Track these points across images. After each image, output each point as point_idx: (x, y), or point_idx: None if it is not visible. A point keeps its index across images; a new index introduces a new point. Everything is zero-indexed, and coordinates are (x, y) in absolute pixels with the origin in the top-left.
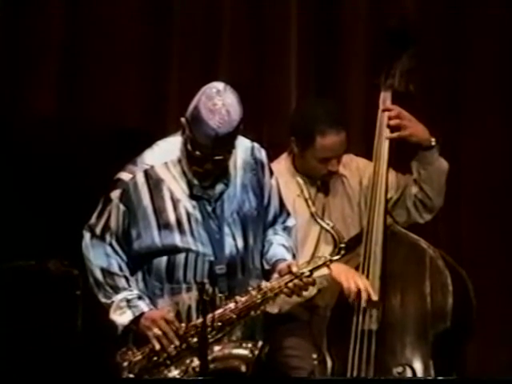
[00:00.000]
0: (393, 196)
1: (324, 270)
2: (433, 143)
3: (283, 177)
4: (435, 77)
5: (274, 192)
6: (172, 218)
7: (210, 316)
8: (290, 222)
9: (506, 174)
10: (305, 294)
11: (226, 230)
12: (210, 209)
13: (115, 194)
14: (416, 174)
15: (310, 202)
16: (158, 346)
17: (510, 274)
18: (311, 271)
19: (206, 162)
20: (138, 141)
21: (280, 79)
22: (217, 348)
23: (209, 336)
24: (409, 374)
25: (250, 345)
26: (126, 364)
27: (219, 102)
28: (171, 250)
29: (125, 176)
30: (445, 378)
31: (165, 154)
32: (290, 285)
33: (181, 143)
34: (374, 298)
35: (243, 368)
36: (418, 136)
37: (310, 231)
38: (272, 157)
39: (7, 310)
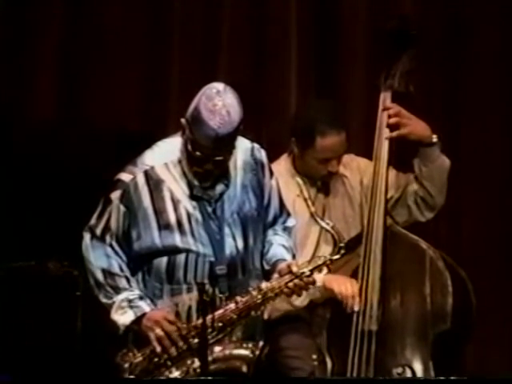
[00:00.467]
0: (393, 195)
1: (317, 282)
2: (434, 140)
3: (283, 177)
4: (435, 77)
5: (274, 192)
6: (172, 218)
7: (210, 316)
8: (290, 223)
9: (506, 174)
10: (297, 303)
11: (227, 230)
12: (210, 209)
13: (115, 195)
14: (417, 171)
15: (309, 202)
16: (159, 349)
17: (510, 275)
18: (311, 271)
19: (207, 163)
20: (138, 142)
21: (280, 79)
22: (217, 348)
23: (209, 336)
24: (409, 374)
25: (250, 345)
26: (126, 365)
27: (219, 103)
28: (171, 251)
29: (125, 177)
30: (445, 378)
31: (165, 155)
32: (291, 285)
33: (181, 144)
34: (356, 308)
35: (244, 368)
36: (418, 133)
37: (310, 231)
38: (272, 157)
39: (7, 310)
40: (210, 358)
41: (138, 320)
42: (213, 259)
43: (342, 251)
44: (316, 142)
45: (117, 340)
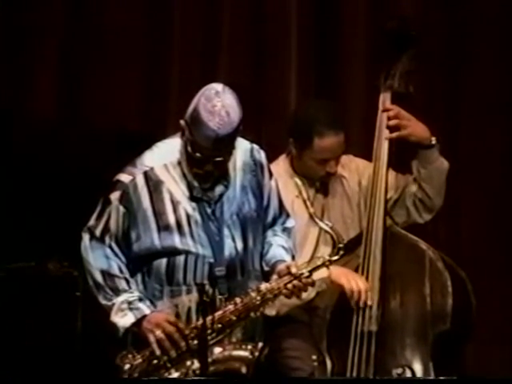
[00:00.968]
0: (392, 196)
1: (323, 273)
2: (433, 142)
3: (281, 178)
4: (435, 77)
5: (273, 193)
6: (172, 219)
7: (209, 318)
8: (290, 223)
9: (506, 174)
10: (303, 296)
11: (226, 231)
12: (209, 211)
13: (115, 196)
14: (416, 173)
15: (308, 203)
16: (158, 351)
17: (510, 275)
18: (310, 272)
19: (207, 164)
20: (138, 142)
21: (280, 79)
22: (217, 350)
23: (209, 338)
24: (408, 375)
25: (250, 346)
26: (126, 367)
27: (218, 104)
28: (171, 252)
29: (124, 178)
30: (445, 378)
31: (164, 156)
32: (289, 286)
33: (180, 145)
34: (369, 302)
35: (244, 369)
36: (418, 135)
37: (309, 232)
38: (272, 158)
39: (7, 310)
40: (209, 360)
41: (138, 322)
42: (212, 260)
43: (341, 252)
44: (314, 143)
45: (116, 341)
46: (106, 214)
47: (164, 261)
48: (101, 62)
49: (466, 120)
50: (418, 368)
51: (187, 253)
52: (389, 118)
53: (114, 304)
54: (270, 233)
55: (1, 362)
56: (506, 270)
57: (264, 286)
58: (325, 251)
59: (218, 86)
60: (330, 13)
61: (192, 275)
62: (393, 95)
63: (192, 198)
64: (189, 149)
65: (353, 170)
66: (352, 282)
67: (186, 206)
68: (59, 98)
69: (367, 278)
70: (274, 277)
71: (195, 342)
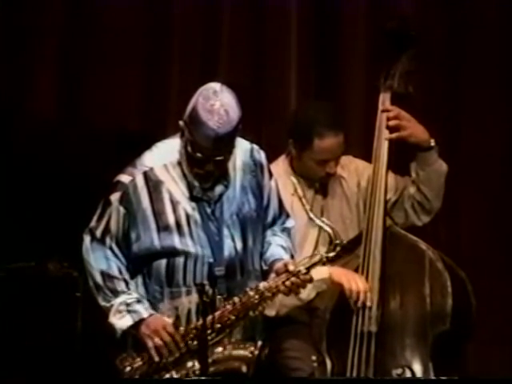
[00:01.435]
0: (391, 198)
1: (324, 274)
2: (432, 144)
3: (281, 178)
4: (435, 78)
5: (273, 193)
6: (171, 219)
7: (209, 318)
8: (289, 224)
9: (506, 175)
10: (303, 297)
11: (226, 231)
12: (209, 210)
13: (115, 197)
14: (414, 175)
15: (304, 201)
16: (157, 358)
17: (510, 275)
18: (308, 269)
19: (207, 163)
20: (138, 142)
21: (279, 80)
22: (217, 350)
23: (208, 338)
24: (408, 375)
25: (249, 345)
26: (127, 370)
27: (217, 103)
28: (170, 253)
29: (124, 178)
30: (444, 378)
31: (164, 156)
32: (287, 283)
33: (180, 145)
34: (369, 303)
35: (244, 368)
36: (417, 137)
37: (309, 233)
38: (272, 158)
39: (7, 311)
40: (209, 360)
41: (136, 325)
42: (212, 260)
43: (338, 248)
44: (314, 144)
45: (116, 342)
46: (107, 215)
47: (163, 262)
48: (101, 61)
49: (466, 121)
50: (417, 368)
51: (186, 253)
52: (388, 119)
53: (112, 305)
54: (269, 233)
55: (1, 362)
56: (506, 270)
57: (262, 284)
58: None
59: (215, 86)
60: (329, 13)
61: (192, 276)
62: (393, 95)
63: (192, 198)
64: (189, 149)
65: (352, 170)
66: (352, 282)
67: (186, 206)
68: (59, 98)
69: (367, 279)
70: (272, 275)
71: (195, 342)
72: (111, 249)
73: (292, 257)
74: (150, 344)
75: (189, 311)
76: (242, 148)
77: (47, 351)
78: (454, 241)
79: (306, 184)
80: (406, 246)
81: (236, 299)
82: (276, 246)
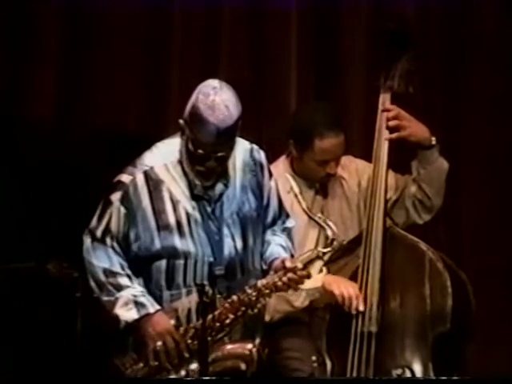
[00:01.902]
0: (391, 197)
1: (316, 283)
2: (433, 142)
3: (281, 179)
4: (435, 78)
5: (273, 193)
6: (171, 219)
7: (209, 318)
8: (290, 224)
9: (507, 175)
10: (297, 304)
11: (226, 231)
12: (209, 210)
13: (116, 197)
14: (415, 174)
15: (300, 197)
16: (153, 362)
17: (510, 276)
18: (305, 265)
19: (209, 160)
20: (138, 142)
21: (280, 80)
22: (216, 349)
23: (208, 338)
24: (408, 375)
25: (248, 343)
26: (128, 372)
27: (217, 98)
28: (170, 253)
29: (125, 178)
30: (444, 379)
31: (164, 156)
32: (285, 279)
33: (180, 145)
34: (361, 308)
35: (243, 366)
36: (418, 136)
37: (309, 233)
38: (272, 158)
39: (6, 311)
40: (209, 359)
41: (141, 319)
42: (212, 260)
43: (335, 243)
44: (314, 144)
45: (116, 341)
46: (107, 215)
47: (163, 263)
48: (101, 62)
49: (466, 120)
50: (417, 369)
51: (187, 253)
52: (389, 119)
53: (117, 298)
54: (269, 232)
55: (0, 362)
56: (506, 270)
57: (260, 282)
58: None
59: (213, 82)
60: (329, 13)
61: (192, 276)
62: (393, 95)
63: (193, 197)
64: (190, 147)
65: (352, 171)
66: (342, 288)
67: (186, 205)
68: (59, 99)
69: (367, 279)
70: (271, 273)
71: (194, 342)
72: (112, 247)
73: (292, 256)
74: (150, 345)
75: (189, 310)
76: (242, 148)
77: (47, 351)
78: (454, 241)
79: (306, 184)
80: (406, 247)
81: (234, 298)
82: (275, 246)
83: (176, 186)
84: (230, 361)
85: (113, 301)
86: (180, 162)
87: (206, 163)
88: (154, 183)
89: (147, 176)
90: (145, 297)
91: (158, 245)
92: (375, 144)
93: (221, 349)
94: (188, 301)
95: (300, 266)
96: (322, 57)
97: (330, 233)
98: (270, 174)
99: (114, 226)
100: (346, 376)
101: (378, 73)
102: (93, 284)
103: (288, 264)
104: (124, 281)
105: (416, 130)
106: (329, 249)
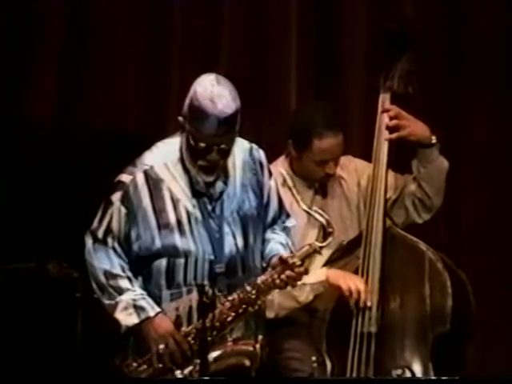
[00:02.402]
0: (391, 196)
1: (321, 276)
2: (433, 141)
3: (281, 179)
4: (435, 78)
5: (273, 193)
6: (172, 217)
7: (209, 318)
8: (290, 223)
9: (507, 174)
10: (302, 299)
11: (226, 229)
12: (209, 208)
13: (116, 197)
14: (416, 172)
15: (294, 191)
16: (156, 363)
17: (510, 275)
18: (302, 260)
19: (211, 152)
20: (138, 142)
21: (279, 80)
22: (218, 347)
23: (209, 337)
24: (408, 376)
25: (250, 340)
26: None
27: (215, 89)
28: (171, 251)
29: (125, 178)
30: (444, 378)
31: (164, 155)
32: (283, 276)
33: (181, 143)
34: (369, 303)
35: (247, 363)
36: (417, 135)
37: (309, 233)
38: (271, 157)
39: (6, 311)
40: (211, 358)
41: (141, 323)
42: (212, 258)
43: (331, 237)
44: (313, 145)
45: (117, 342)
46: (108, 215)
47: (164, 262)
48: (100, 62)
49: (466, 120)
50: (417, 369)
51: (187, 252)
52: (388, 119)
53: (117, 302)
54: (269, 231)
55: (0, 362)
56: (506, 270)
57: (259, 279)
58: (324, 252)
59: (210, 76)
60: (329, 13)
61: (192, 274)
62: (392, 96)
63: (193, 194)
64: (191, 142)
65: (352, 170)
66: (350, 282)
67: (186, 204)
68: (59, 99)
69: (367, 280)
70: (269, 269)
71: (197, 342)
72: (113, 248)
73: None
74: (153, 348)
75: (190, 309)
76: (242, 147)
77: (47, 352)
78: (454, 241)
79: (305, 184)
80: (406, 247)
81: (234, 296)
82: (275, 243)
83: (176, 185)
84: (233, 358)
85: (113, 305)
86: (180, 160)
87: (207, 156)
88: (154, 182)
89: (147, 175)
90: (145, 300)
91: (158, 244)
92: (375, 144)
93: (224, 346)
94: (189, 299)
95: (298, 261)
96: (322, 57)
97: (324, 222)
98: (270, 174)
99: (115, 226)
100: (346, 376)
101: (377, 73)
102: (94, 286)
103: (285, 259)
104: (124, 283)
105: (416, 129)
106: (325, 243)
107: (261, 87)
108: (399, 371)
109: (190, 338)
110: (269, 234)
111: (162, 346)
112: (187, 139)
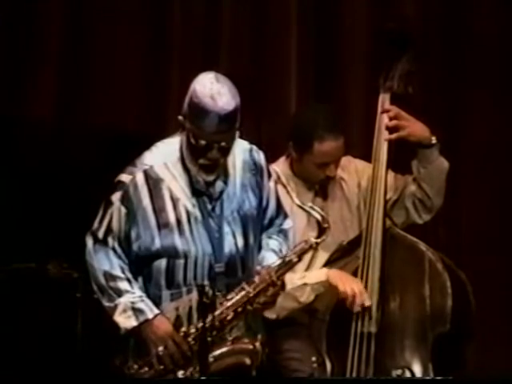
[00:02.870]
0: (391, 197)
1: (321, 276)
2: (433, 141)
3: (274, 176)
4: (435, 78)
5: (271, 194)
6: (172, 217)
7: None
8: (287, 225)
9: (507, 175)
10: (303, 300)
11: (226, 228)
12: (209, 207)
13: (116, 197)
14: (416, 173)
15: (289, 188)
16: (158, 366)
17: (510, 276)
18: (299, 256)
19: (212, 150)
20: (138, 143)
21: (280, 80)
22: (218, 347)
23: (209, 337)
24: (408, 376)
25: (249, 338)
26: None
27: (214, 87)
28: (170, 251)
29: (125, 178)
30: (444, 378)
31: (164, 155)
32: (280, 272)
33: (181, 142)
34: (367, 303)
35: (248, 361)
36: (417, 135)
37: (308, 234)
38: (271, 158)
39: (6, 312)
40: (211, 358)
41: (140, 325)
42: (212, 257)
43: (327, 232)
44: (314, 147)
45: (117, 342)
46: (108, 215)
47: (164, 262)
48: (100, 62)
49: (466, 121)
50: (417, 369)
51: (187, 251)
52: (388, 119)
53: (116, 305)
54: (264, 236)
55: (0, 362)
56: (506, 270)
57: (257, 277)
58: (323, 255)
59: (209, 74)
60: (329, 13)
61: (192, 274)
62: (392, 96)
63: (193, 193)
64: (192, 140)
65: (352, 171)
66: (346, 284)
67: (186, 203)
68: (59, 99)
69: (367, 280)
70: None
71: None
72: (114, 249)
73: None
74: (153, 350)
75: (190, 309)
76: (241, 148)
77: (47, 352)
78: (454, 241)
79: (305, 186)
80: (406, 247)
81: (232, 294)
82: (267, 251)
83: (176, 184)
84: (234, 356)
85: (112, 307)
86: (180, 159)
87: (208, 154)
88: (153, 182)
89: (147, 175)
90: (143, 302)
91: (157, 244)
92: (375, 144)
93: (224, 345)
94: (188, 299)
95: (295, 258)
96: (322, 57)
97: (319, 217)
98: (269, 175)
99: (115, 226)
100: (346, 376)
101: (377, 73)
102: (95, 287)
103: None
104: (123, 285)
105: (415, 129)
106: (322, 238)
107: (261, 87)
108: (399, 371)
109: (189, 339)
110: (263, 240)
111: (161, 348)
112: (187, 138)
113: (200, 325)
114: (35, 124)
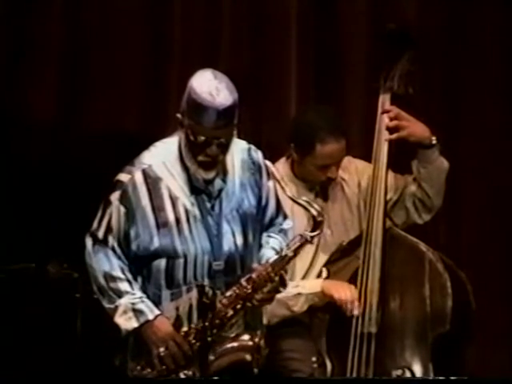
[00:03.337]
0: (392, 197)
1: (316, 287)
2: (433, 141)
3: (281, 181)
4: (435, 79)
5: (271, 194)
6: (171, 216)
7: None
8: (287, 225)
9: (507, 175)
10: (296, 309)
11: (225, 226)
12: (208, 206)
13: (115, 196)
14: (416, 173)
15: (283, 183)
16: (159, 366)
17: (510, 275)
18: (295, 251)
19: (211, 146)
20: (138, 143)
21: (279, 81)
22: (219, 345)
23: (209, 336)
24: (408, 376)
25: (249, 335)
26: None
27: (211, 83)
28: (169, 250)
29: (123, 177)
30: (444, 378)
31: (163, 154)
32: (276, 267)
33: (179, 140)
34: (356, 312)
35: (248, 357)
36: (417, 135)
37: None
38: (271, 158)
39: (6, 312)
40: (212, 357)
41: (141, 326)
42: (211, 255)
43: (321, 226)
44: (315, 149)
45: (117, 342)
46: (107, 215)
47: (163, 262)
48: (100, 62)
49: (466, 121)
50: (417, 369)
51: (186, 251)
52: (388, 120)
53: (117, 307)
54: (264, 235)
55: (1, 362)
56: (506, 270)
57: (255, 274)
58: (323, 258)
59: (205, 71)
60: (329, 13)
61: (192, 272)
62: (392, 96)
63: (192, 191)
64: (191, 137)
65: (352, 172)
66: (341, 292)
67: (185, 201)
68: (59, 99)
69: (367, 280)
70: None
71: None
72: (113, 249)
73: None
74: (154, 352)
75: (190, 308)
76: (240, 147)
77: (47, 352)
78: (454, 241)
79: (306, 187)
80: (406, 248)
81: (231, 292)
82: (267, 249)
83: (175, 183)
84: (234, 354)
85: (113, 309)
86: (179, 158)
87: (207, 150)
88: (152, 181)
89: (146, 174)
90: (144, 303)
91: (156, 243)
92: (375, 144)
93: (224, 343)
94: (188, 298)
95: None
96: (322, 57)
97: (315, 212)
98: (268, 175)
99: (114, 226)
100: (346, 376)
101: (377, 73)
102: (95, 288)
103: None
104: (124, 286)
105: (415, 129)
106: (316, 232)
107: (261, 88)
108: (399, 371)
109: (190, 338)
110: (264, 239)
111: (162, 349)
112: (186, 135)
113: (200, 325)
114: (35, 124)
